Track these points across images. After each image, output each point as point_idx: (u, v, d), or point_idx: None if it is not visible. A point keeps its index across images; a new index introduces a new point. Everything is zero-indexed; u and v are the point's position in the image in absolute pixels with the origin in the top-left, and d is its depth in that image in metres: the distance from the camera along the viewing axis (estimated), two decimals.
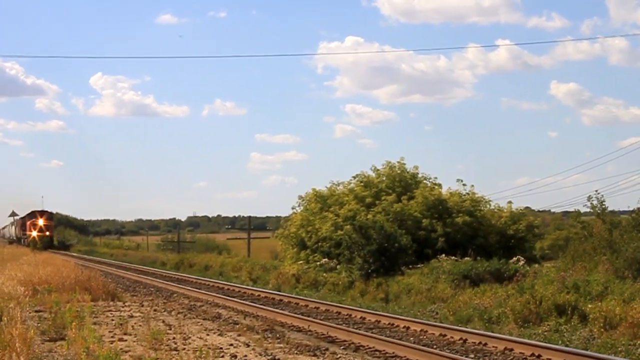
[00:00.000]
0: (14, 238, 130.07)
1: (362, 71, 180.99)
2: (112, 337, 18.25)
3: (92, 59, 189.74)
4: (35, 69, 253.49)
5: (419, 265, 35.52)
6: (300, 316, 23.59)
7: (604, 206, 35.57)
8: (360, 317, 24.11)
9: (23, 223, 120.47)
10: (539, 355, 16.89)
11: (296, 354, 16.42)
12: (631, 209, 36.42)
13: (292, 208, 49.74)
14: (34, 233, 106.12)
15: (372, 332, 20.32)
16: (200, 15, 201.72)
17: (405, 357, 16.78)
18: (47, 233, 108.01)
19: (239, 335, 19.21)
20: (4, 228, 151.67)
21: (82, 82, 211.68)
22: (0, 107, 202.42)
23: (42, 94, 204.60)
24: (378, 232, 35.88)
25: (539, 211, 48.91)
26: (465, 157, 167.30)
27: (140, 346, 16.60)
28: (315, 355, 16.39)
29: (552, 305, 22.54)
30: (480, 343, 18.76)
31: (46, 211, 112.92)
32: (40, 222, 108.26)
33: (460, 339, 19.46)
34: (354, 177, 47.25)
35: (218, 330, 20.20)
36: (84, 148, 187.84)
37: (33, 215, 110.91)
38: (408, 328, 21.63)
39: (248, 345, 17.42)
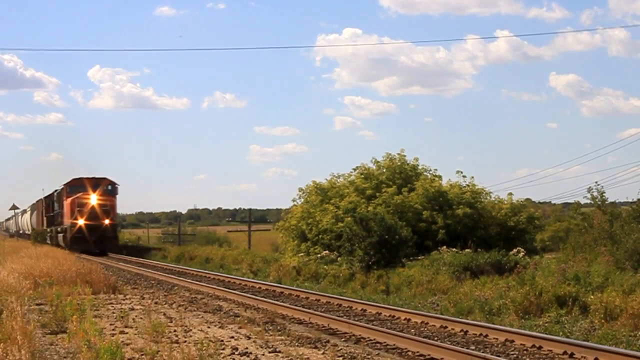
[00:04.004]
0: (29, 231, 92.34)
1: (361, 63, 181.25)
2: (113, 330, 18.26)
3: (90, 51, 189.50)
4: (34, 61, 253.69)
5: (419, 257, 35.58)
6: (301, 308, 23.62)
7: (604, 197, 35.65)
8: (361, 309, 24.13)
9: (49, 204, 79.28)
10: (540, 347, 16.91)
11: (297, 346, 16.44)
12: (631, 200, 36.50)
13: (293, 200, 49.90)
14: (81, 221, 62.00)
15: (373, 324, 20.35)
16: (199, 6, 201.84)
17: (406, 348, 16.79)
18: (107, 222, 63.18)
19: (240, 327, 19.22)
20: (8, 220, 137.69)
21: (81, 75, 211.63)
22: None
23: (41, 87, 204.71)
24: (378, 224, 35.90)
25: (539, 203, 49.09)
26: (465, 149, 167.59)
27: (142, 339, 16.62)
28: (316, 347, 16.40)
29: (553, 297, 22.56)
30: (481, 335, 18.78)
31: (104, 179, 66.40)
32: (93, 199, 62.86)
33: (461, 330, 19.49)
34: (354, 169, 47.38)
35: (219, 322, 20.22)
36: (84, 141, 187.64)
37: (79, 185, 65.14)
38: (409, 320, 21.65)
39: (249, 338, 17.43)
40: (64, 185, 68.40)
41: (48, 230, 79.41)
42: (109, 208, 64.40)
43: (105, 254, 62.60)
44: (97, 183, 65.02)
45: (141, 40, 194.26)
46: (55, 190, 75.45)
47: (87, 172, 72.57)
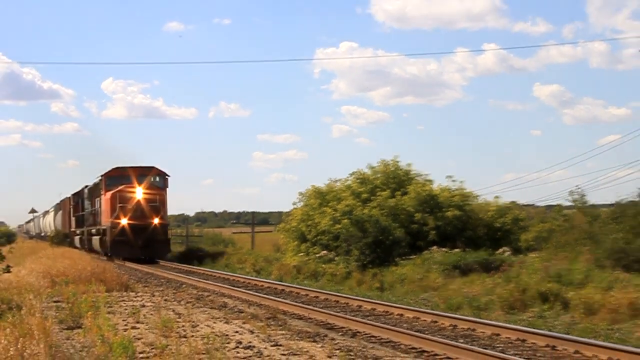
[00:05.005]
0: (52, 233, 76.79)
1: (357, 74, 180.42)
2: (125, 325, 18.28)
3: (103, 65, 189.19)
4: (51, 74, 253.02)
5: (411, 257, 35.55)
6: (301, 305, 23.64)
7: (584, 200, 35.76)
8: (357, 305, 24.15)
9: (78, 203, 66.16)
10: (524, 340, 16.95)
11: (297, 340, 16.45)
12: (610, 202, 36.59)
13: (293, 204, 49.80)
14: (124, 221, 47.99)
15: (368, 319, 20.37)
16: (206, 22, 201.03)
17: (399, 342, 16.83)
18: (156, 221, 48.68)
19: (244, 323, 19.23)
20: (28, 222, 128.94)
21: (95, 87, 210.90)
22: (19, 110, 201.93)
23: (58, 98, 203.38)
24: (373, 225, 35.96)
25: (524, 205, 48.80)
26: (455, 155, 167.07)
27: (152, 334, 16.63)
28: (315, 341, 16.42)
29: (536, 293, 22.66)
30: (469, 329, 18.82)
31: (152, 168, 51.84)
32: (139, 193, 48.70)
33: (451, 325, 19.52)
34: (351, 174, 47.29)
35: (224, 318, 20.22)
36: (98, 148, 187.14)
37: (121, 176, 50.48)
38: (402, 315, 21.69)
39: (252, 332, 17.45)
40: (102, 176, 52.68)
41: (78, 232, 66.01)
42: (158, 204, 49.25)
43: (154, 261, 48.60)
44: (143, 173, 50.14)
45: (151, 53, 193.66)
46: (86, 186, 61.60)
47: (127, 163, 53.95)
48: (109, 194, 50.01)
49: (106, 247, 50.68)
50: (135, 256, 48.31)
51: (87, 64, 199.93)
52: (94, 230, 56.53)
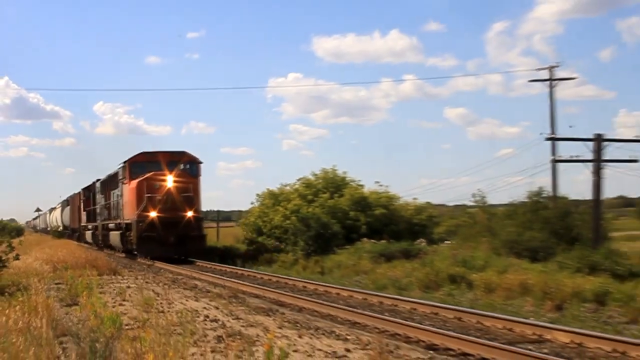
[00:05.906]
0: (60, 228, 70.72)
1: (302, 99, 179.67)
2: (114, 302, 18.09)
3: (95, 91, 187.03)
4: (53, 98, 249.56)
5: (346, 247, 35.67)
6: (257, 286, 23.60)
7: (484, 201, 36.18)
8: (303, 286, 24.17)
9: (89, 197, 54.33)
10: (437, 313, 17.13)
11: (254, 314, 16.43)
12: (505, 202, 37.07)
13: (251, 203, 49.85)
14: (153, 214, 34.57)
15: (311, 298, 20.38)
16: (179, 56, 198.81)
17: (336, 315, 16.89)
18: (190, 214, 34.80)
19: (211, 300, 19.15)
20: (35, 219, 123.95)
21: (88, 109, 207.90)
22: (26, 127, 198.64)
23: (58, 118, 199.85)
24: (316, 222, 36.08)
25: (437, 205, 49.23)
26: (382, 164, 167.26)
27: (135, 309, 16.49)
28: (268, 315, 16.42)
29: (447, 276, 22.86)
30: (393, 305, 18.95)
31: (184, 154, 37.41)
32: (170, 181, 34.64)
33: (378, 301, 19.64)
34: (298, 180, 47.37)
35: (195, 297, 20.11)
36: (91, 159, 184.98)
37: (148, 163, 36.75)
38: (339, 294, 21.76)
39: (217, 308, 17.38)
40: (125, 163, 38.53)
41: (89, 226, 53.97)
42: (191, 195, 35.46)
43: (188, 260, 35.45)
44: (173, 159, 36.33)
45: (135, 81, 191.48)
46: (97, 180, 49.30)
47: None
48: (134, 182, 36.57)
49: (131, 243, 37.62)
50: (166, 254, 35.00)
51: (81, 90, 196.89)
52: (112, 225, 42.94)
